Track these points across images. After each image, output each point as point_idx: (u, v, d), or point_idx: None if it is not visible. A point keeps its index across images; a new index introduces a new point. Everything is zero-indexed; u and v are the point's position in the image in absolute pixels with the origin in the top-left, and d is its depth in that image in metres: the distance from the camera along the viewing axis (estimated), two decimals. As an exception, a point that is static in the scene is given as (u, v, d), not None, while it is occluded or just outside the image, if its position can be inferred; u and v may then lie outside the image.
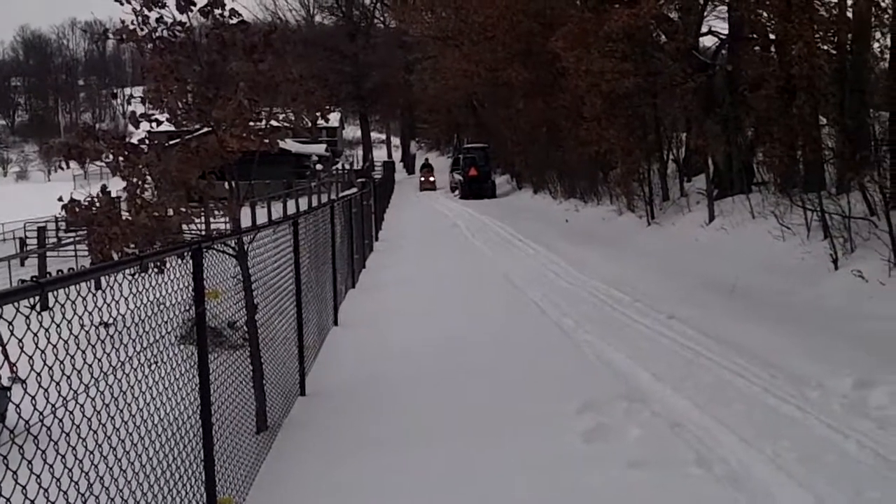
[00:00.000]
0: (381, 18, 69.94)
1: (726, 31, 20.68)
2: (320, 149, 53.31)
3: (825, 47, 13.41)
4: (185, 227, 7.11)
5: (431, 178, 51.73)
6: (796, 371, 7.41)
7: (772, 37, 16.31)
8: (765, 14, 15.20)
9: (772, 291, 11.59)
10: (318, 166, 50.43)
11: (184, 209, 6.94)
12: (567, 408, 6.84)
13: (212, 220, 12.64)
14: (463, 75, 35.60)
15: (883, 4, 13.22)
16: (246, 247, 6.72)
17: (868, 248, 11.13)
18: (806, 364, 7.59)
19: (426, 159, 59.27)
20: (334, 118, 67.80)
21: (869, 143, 12.88)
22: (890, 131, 12.55)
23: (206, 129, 7.09)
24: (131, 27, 6.72)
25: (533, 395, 7.40)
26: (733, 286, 11.97)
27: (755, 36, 18.16)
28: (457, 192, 43.87)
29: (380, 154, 76.54)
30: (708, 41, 22.46)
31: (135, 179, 6.65)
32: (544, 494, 5.28)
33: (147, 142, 6.80)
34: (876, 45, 13.69)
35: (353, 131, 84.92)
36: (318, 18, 72.70)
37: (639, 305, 11.23)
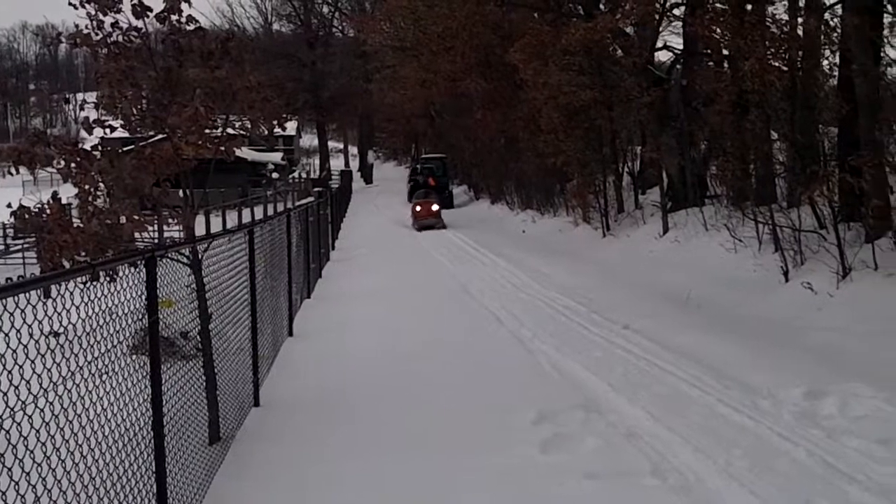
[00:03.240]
0: (340, 27, 69.82)
1: (681, 47, 21.01)
2: (276, 157, 52.97)
3: (776, 64, 13.65)
4: (137, 235, 7.03)
5: (435, 208, 30.47)
6: (748, 381, 7.51)
7: (725, 53, 16.59)
8: (718, 30, 15.43)
9: (724, 303, 11.75)
10: (275, 175, 50.06)
11: (137, 217, 6.85)
12: (524, 418, 6.86)
13: (165, 228, 12.49)
14: (421, 85, 35.70)
15: (832, 24, 13.51)
16: (200, 256, 6.64)
17: (817, 261, 11.33)
18: (758, 374, 7.69)
19: (418, 179, 39.74)
20: (291, 126, 67.48)
21: (818, 158, 13.14)
22: (838, 147, 12.82)
23: (161, 136, 7.01)
24: (85, 31, 6.63)
25: (490, 405, 7.40)
26: (686, 297, 12.11)
27: (709, 52, 18.47)
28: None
29: (337, 163, 76.22)
30: (663, 56, 22.82)
31: (87, 186, 6.55)
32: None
33: (100, 148, 6.70)
34: (825, 62, 13.99)
35: (310, 140, 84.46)
36: (276, 26, 72.40)
37: (595, 316, 11.30)
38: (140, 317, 4.65)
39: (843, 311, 9.90)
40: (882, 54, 11.62)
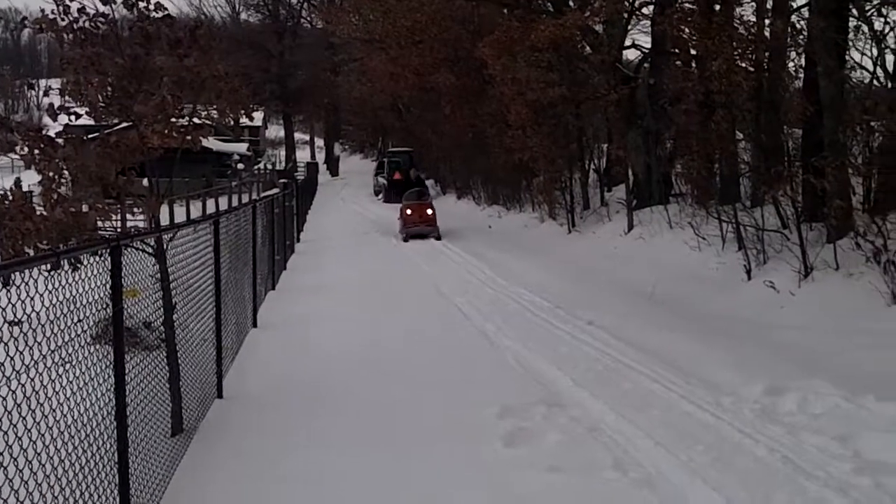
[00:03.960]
0: (308, 18, 69.37)
1: (649, 46, 21.15)
2: (242, 148, 52.59)
3: (743, 65, 13.81)
4: (101, 223, 6.96)
5: (429, 212, 24.08)
6: (711, 378, 7.60)
7: (693, 52, 16.73)
8: (686, 30, 15.57)
9: (688, 300, 11.87)
10: (240, 165, 49.66)
11: (101, 205, 6.78)
12: (488, 412, 6.89)
13: (129, 217, 12.34)
14: (390, 78, 35.53)
15: (798, 26, 13.68)
16: (165, 245, 6.58)
17: (780, 260, 11.50)
18: (720, 371, 7.79)
19: (410, 172, 31.65)
20: (257, 117, 66.96)
21: (783, 158, 13.32)
22: (802, 148, 13.00)
23: (126, 124, 6.94)
24: (51, 16, 6.53)
25: (455, 399, 7.42)
26: (650, 294, 12.21)
27: (677, 51, 18.60)
28: (380, 196, 43.79)
29: (303, 155, 75.71)
30: (631, 54, 22.97)
31: (51, 173, 6.46)
32: (466, 498, 5.29)
33: (65, 135, 6.62)
34: (791, 64, 14.18)
35: (276, 131, 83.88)
36: (243, 16, 71.73)
37: (559, 312, 11.35)
38: (103, 306, 4.59)
39: (805, 310, 10.06)
40: (847, 57, 11.79)
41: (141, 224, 11.72)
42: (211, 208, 29.95)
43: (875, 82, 10.97)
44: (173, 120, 6.95)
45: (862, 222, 10.49)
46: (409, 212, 24.04)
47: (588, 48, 21.54)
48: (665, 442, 6.04)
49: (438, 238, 22.78)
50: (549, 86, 20.24)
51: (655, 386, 7.54)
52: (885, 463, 5.38)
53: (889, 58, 10.53)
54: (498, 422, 6.68)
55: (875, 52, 10.58)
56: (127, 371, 4.70)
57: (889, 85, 10.32)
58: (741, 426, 6.28)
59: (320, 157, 76.21)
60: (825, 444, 5.79)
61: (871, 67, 10.85)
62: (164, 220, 12.41)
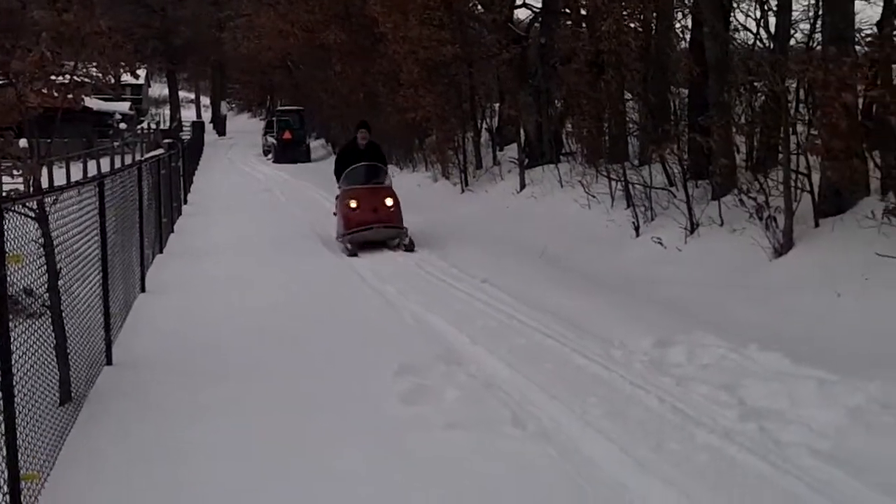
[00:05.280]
0: (192, -28, 67.04)
1: (540, 5, 21.28)
2: (124, 107, 50.74)
3: (632, 25, 14.03)
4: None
5: (390, 202, 13.84)
6: (602, 332, 7.79)
7: (583, 12, 16.91)
8: (577, -11, 15.73)
9: (579, 257, 12.11)
10: (122, 125, 47.89)
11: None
12: (386, 371, 6.90)
13: (7, 179, 11.82)
14: (278, 35, 34.84)
15: (685, -13, 13.99)
16: (48, 209, 6.31)
17: (667, 217, 11.83)
18: (610, 326, 7.99)
19: (358, 135, 14.69)
20: (140, 75, 64.61)
21: (669, 118, 13.66)
22: (689, 107, 13.35)
23: (2, 82, 6.59)
24: (-86, -34, 6.13)
25: (353, 359, 7.41)
26: (542, 252, 12.40)
27: (567, 11, 18.79)
28: (269, 156, 43.04)
29: (188, 114, 73.45)
30: (522, 14, 23.07)
31: (-80, 134, 6.10)
32: (367, 457, 5.29)
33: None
34: (678, 25, 14.49)
35: (160, 89, 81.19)
36: (122, -31, 68.75)
37: (454, 271, 11.43)
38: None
39: (691, 265, 10.39)
40: (731, 18, 12.11)
41: (20, 187, 11.23)
42: (92, 170, 28.85)
43: (758, 43, 11.28)
44: (53, 78, 6.65)
45: (745, 180, 10.85)
46: (353, 204, 13.94)
47: (480, 7, 21.53)
48: (560, 395, 6.19)
49: (411, 248, 13.60)
50: (441, 44, 20.16)
51: (549, 341, 7.70)
52: (769, 409, 5.65)
53: (772, 20, 10.85)
54: (396, 380, 6.70)
55: (758, 13, 10.87)
56: (12, 339, 4.51)
57: (771, 46, 10.64)
58: (632, 378, 6.48)
59: (206, 116, 74.19)
60: (712, 393, 6.02)
61: (754, 29, 11.16)
62: (44, 182, 11.88)
